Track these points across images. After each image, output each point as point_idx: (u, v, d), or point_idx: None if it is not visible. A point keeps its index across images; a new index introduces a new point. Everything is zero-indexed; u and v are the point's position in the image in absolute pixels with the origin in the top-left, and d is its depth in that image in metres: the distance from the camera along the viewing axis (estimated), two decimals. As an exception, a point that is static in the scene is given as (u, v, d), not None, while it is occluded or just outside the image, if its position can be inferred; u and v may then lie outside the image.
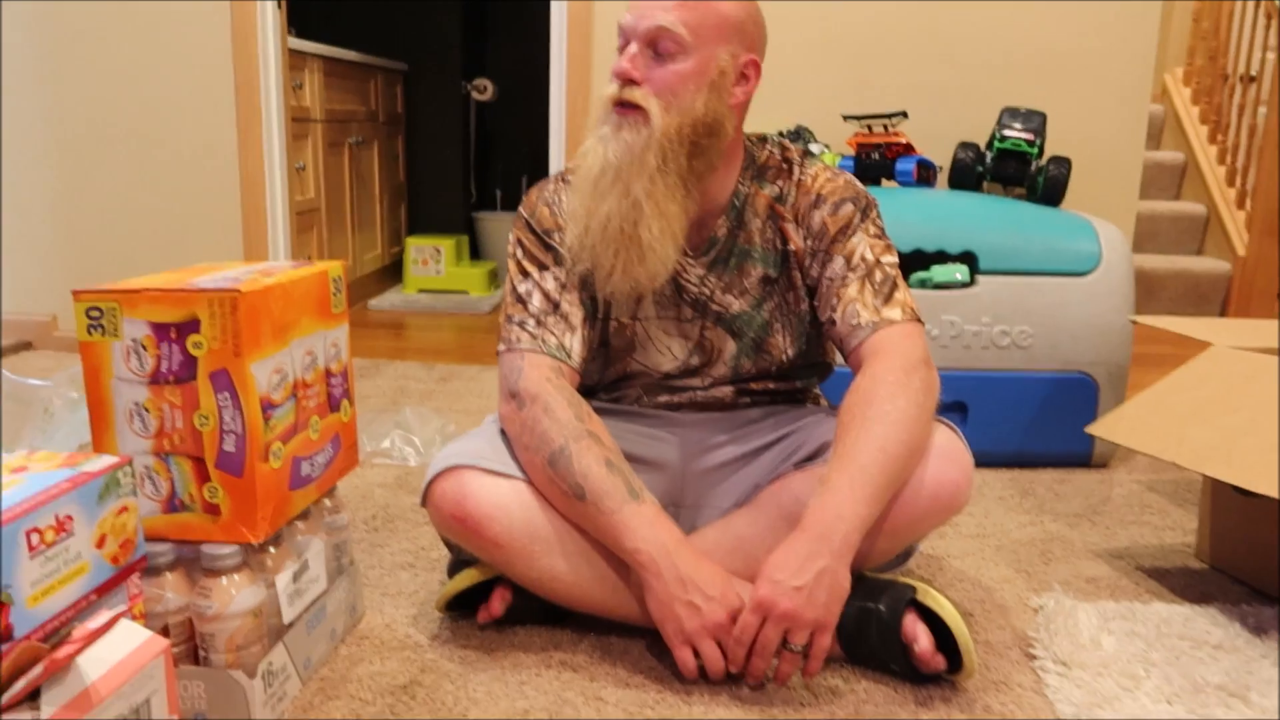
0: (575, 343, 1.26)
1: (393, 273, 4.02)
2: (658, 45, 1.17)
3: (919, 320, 1.24)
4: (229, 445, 1.03)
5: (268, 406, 1.04)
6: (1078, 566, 1.52)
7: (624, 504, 1.13)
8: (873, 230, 1.28)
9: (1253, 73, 3.97)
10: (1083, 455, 1.99)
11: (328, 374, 1.18)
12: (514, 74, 4.45)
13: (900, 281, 1.26)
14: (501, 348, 1.27)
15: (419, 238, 3.91)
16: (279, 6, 2.63)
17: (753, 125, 2.49)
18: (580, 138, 2.57)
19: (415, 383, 2.55)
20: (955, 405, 1.97)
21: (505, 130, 4.51)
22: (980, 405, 1.95)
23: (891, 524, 1.19)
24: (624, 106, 1.19)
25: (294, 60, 2.93)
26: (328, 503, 1.25)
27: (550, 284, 1.27)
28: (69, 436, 1.75)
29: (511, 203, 4.59)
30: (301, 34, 3.93)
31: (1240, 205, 3.97)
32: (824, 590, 1.07)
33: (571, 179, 1.28)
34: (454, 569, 1.33)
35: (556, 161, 2.58)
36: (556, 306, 1.26)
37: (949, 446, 1.21)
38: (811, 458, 1.29)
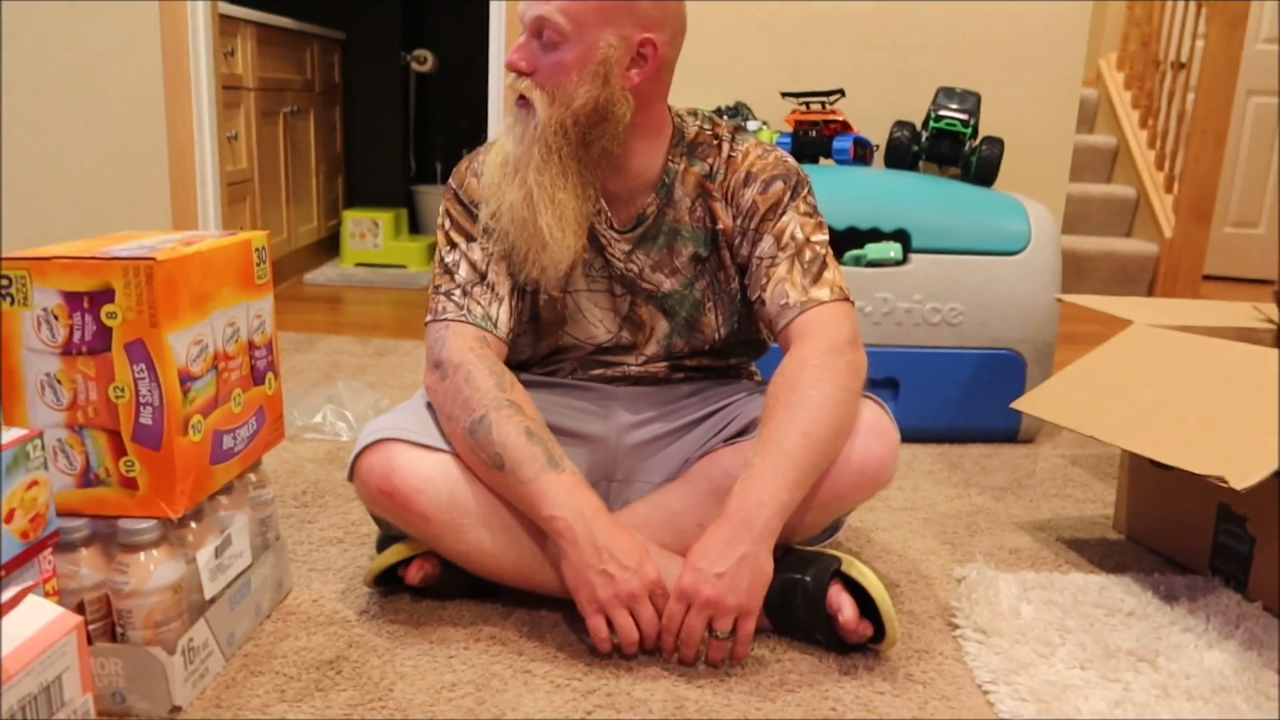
0: (502, 313, 1.25)
1: (329, 246, 3.96)
2: (541, 35, 1.17)
3: (848, 300, 1.25)
4: (146, 418, 1.00)
5: (186, 379, 1.02)
6: (1001, 538, 1.56)
7: (542, 472, 1.13)
8: (803, 208, 1.28)
9: (1183, 60, 4.07)
10: (1010, 431, 2.04)
11: (251, 346, 1.16)
12: (455, 45, 4.38)
13: (830, 260, 1.27)
14: (428, 318, 1.26)
15: (356, 211, 3.85)
16: (208, -30, 2.56)
17: (692, 100, 2.49)
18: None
19: (350, 357, 2.51)
20: (887, 381, 2.00)
21: (445, 102, 4.45)
22: (911, 381, 1.99)
23: (818, 499, 1.21)
24: (519, 98, 1.20)
25: (225, 26, 2.86)
26: (253, 477, 1.23)
27: (477, 254, 1.26)
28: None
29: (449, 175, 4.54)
30: (240, 3, 3.84)
31: (1169, 189, 4.06)
32: (746, 576, 1.08)
33: (481, 162, 1.28)
34: (382, 544, 1.32)
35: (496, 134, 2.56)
36: (483, 277, 1.25)
37: (875, 423, 1.23)
38: (742, 433, 1.30)
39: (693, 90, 2.42)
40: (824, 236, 1.28)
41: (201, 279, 1.05)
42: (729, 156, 1.29)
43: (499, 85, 2.52)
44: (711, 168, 1.29)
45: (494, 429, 1.15)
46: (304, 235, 3.64)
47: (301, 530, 1.49)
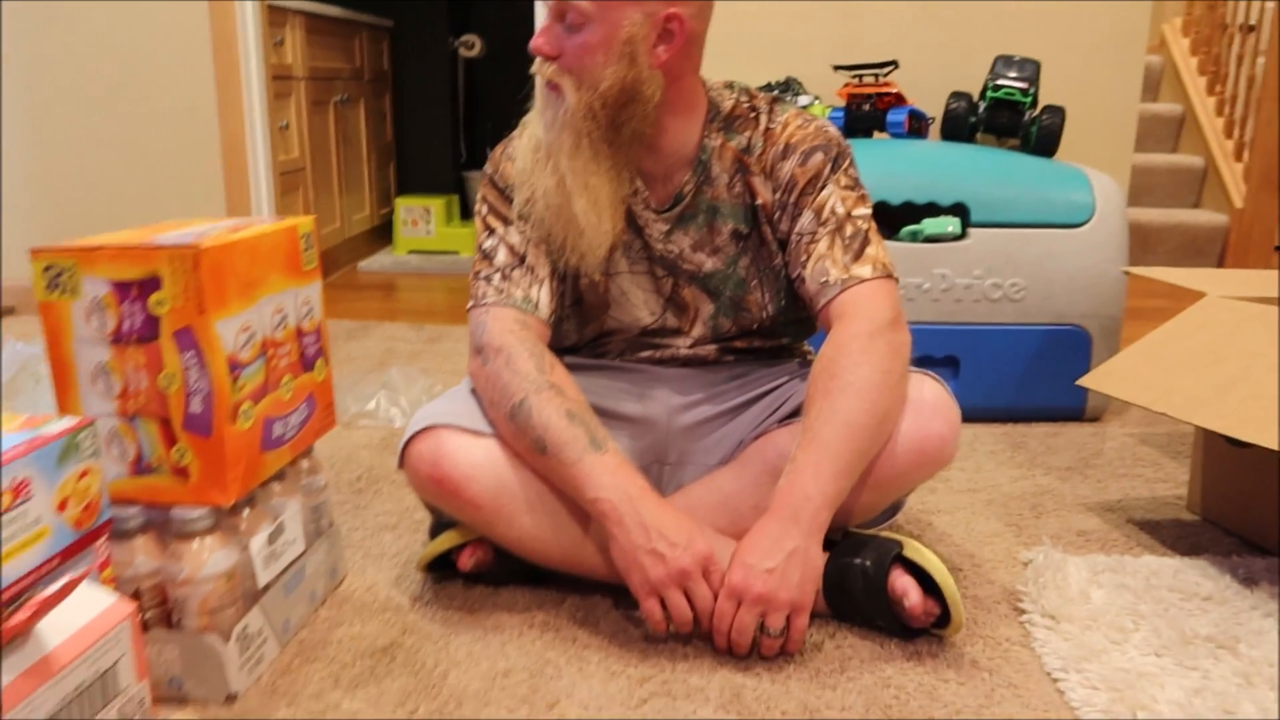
0: (542, 295, 1.23)
1: (382, 234, 3.98)
2: (565, 18, 1.13)
3: (891, 276, 1.21)
4: (195, 406, 1.00)
5: (235, 366, 1.02)
6: (1068, 520, 1.51)
7: (584, 454, 1.11)
8: (844, 181, 1.24)
9: (1252, 22, 3.91)
10: (1076, 409, 1.97)
11: (299, 333, 1.15)
12: (502, 30, 4.37)
13: (874, 235, 1.23)
14: (469, 304, 1.25)
15: (408, 198, 3.86)
16: (256, -39, 2.57)
17: (743, 76, 2.44)
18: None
19: (403, 344, 2.52)
20: (947, 360, 1.94)
21: (494, 87, 4.44)
22: (972, 359, 1.93)
23: (875, 478, 1.17)
24: (547, 83, 1.17)
25: (274, 16, 2.87)
26: (305, 464, 1.23)
27: (515, 238, 1.24)
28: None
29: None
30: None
31: (1238, 157, 3.92)
32: (796, 571, 1.06)
33: (516, 147, 1.26)
34: (435, 530, 1.31)
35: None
36: (522, 259, 1.23)
37: (934, 400, 1.19)
38: (796, 413, 1.26)
39: (743, 66, 2.37)
40: (867, 210, 1.24)
41: (248, 266, 1.04)
42: (767, 129, 1.25)
43: (546, 67, 2.50)
44: (749, 141, 1.25)
45: (534, 412, 1.13)
46: (357, 224, 3.66)
47: (356, 516, 1.49)
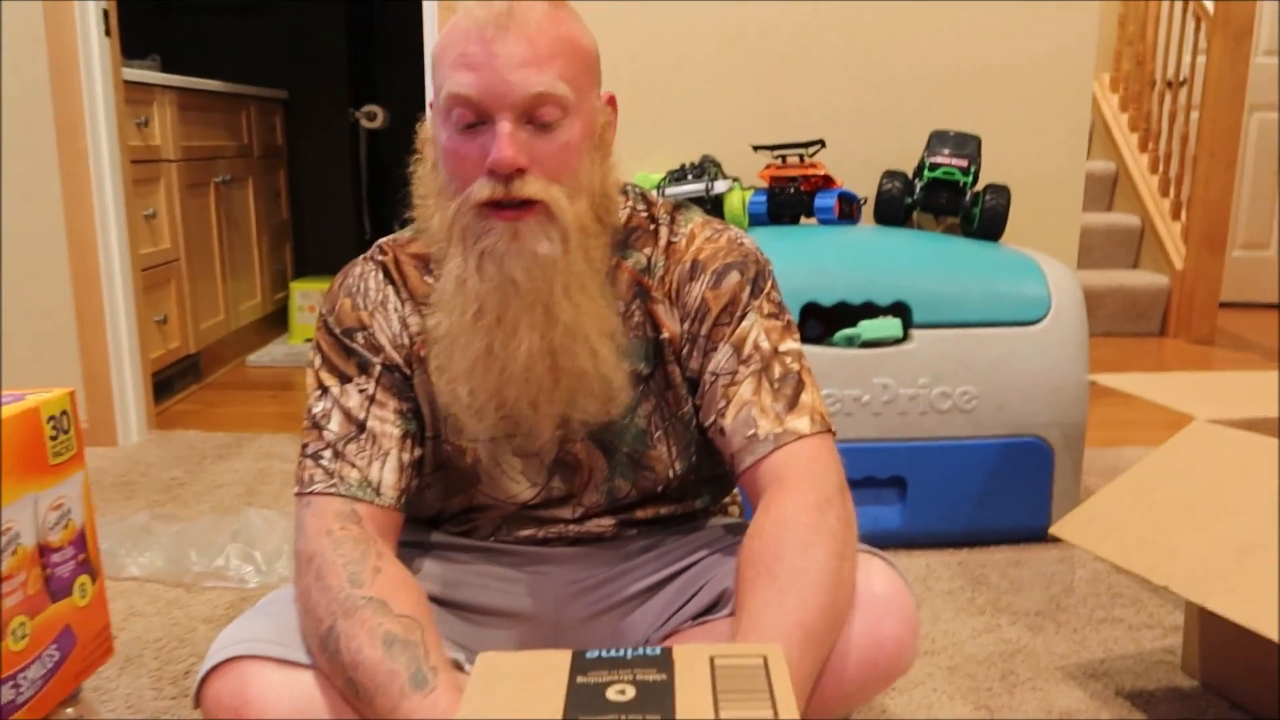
0: (386, 471, 0.95)
1: (277, 321, 3.67)
2: (536, 115, 0.88)
3: (831, 430, 0.97)
4: None
5: (-81, 627, 0.73)
6: (1047, 695, 1.26)
7: (402, 697, 0.82)
8: (767, 308, 1.00)
9: (1182, 77, 3.82)
10: (1038, 529, 1.74)
11: (43, 551, 0.86)
12: (408, 98, 4.11)
13: (807, 377, 0.98)
14: (295, 490, 0.96)
15: (305, 281, 3.56)
16: (107, 34, 2.28)
17: (655, 157, 2.18)
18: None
19: (280, 462, 2.21)
20: (892, 480, 1.70)
21: (401, 158, 4.18)
22: (921, 479, 1.69)
23: (817, 701, 0.91)
24: (507, 207, 0.89)
25: (139, 94, 2.58)
26: (69, 712, 0.93)
27: (353, 400, 0.96)
28: None
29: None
30: (167, 65, 3.57)
31: (1175, 216, 3.81)
32: None
33: (360, 276, 1.00)
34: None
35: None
36: (361, 428, 0.95)
37: (886, 592, 0.93)
38: (714, 605, 1.01)
39: (655, 147, 2.14)
40: (796, 345, 0.99)
41: (-57, 481, 0.76)
42: (669, 243, 1.01)
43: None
44: (649, 260, 1.00)
45: (344, 643, 0.84)
46: (246, 313, 3.35)
47: (173, 734, 1.19)
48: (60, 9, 2.19)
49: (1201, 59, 3.65)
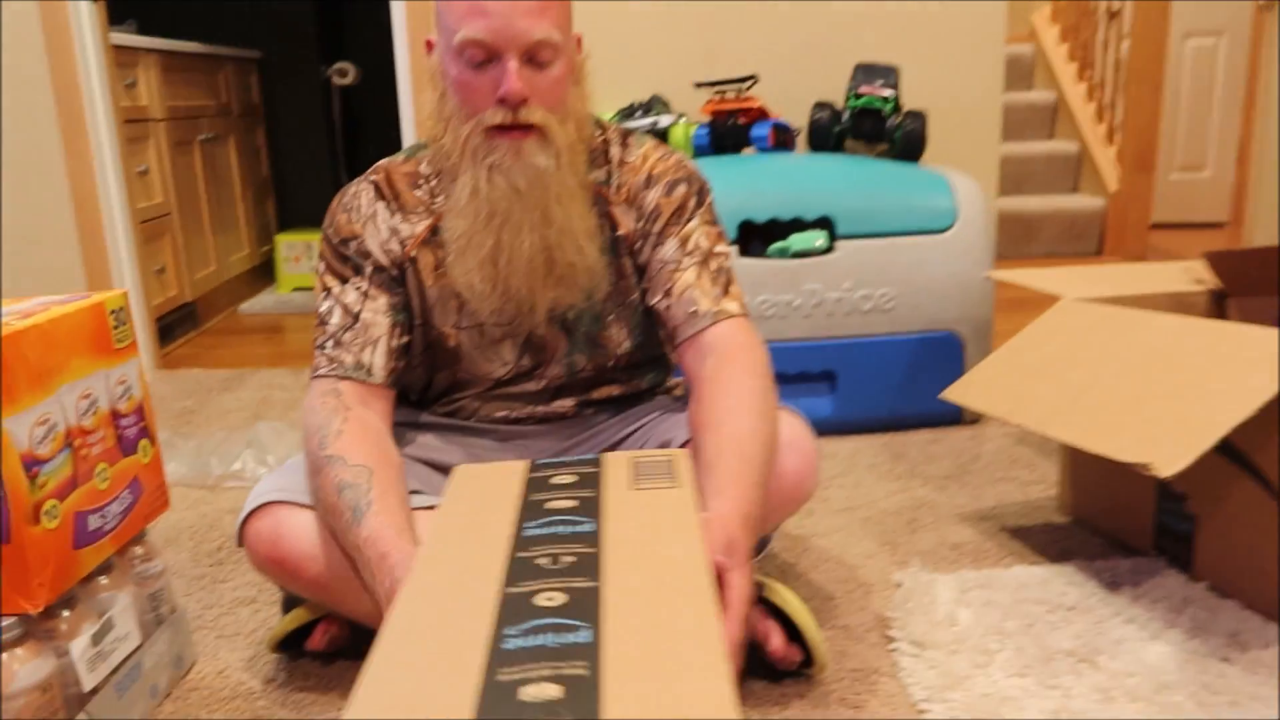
0: (377, 356, 1.18)
1: (265, 272, 3.86)
2: (536, 56, 1.09)
3: (749, 317, 1.20)
4: (-11, 511, 0.93)
5: (33, 463, 0.95)
6: (943, 533, 1.51)
7: (347, 530, 1.03)
8: (707, 217, 1.23)
9: (1115, 7, 4.03)
10: (955, 413, 1.99)
11: (115, 416, 1.08)
12: (378, 54, 4.27)
13: (733, 275, 1.22)
14: (310, 374, 1.19)
15: (289, 234, 3.75)
16: (94, 0, 2.45)
17: (609, 97, 2.40)
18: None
19: (280, 391, 2.43)
20: (824, 374, 1.94)
21: (374, 113, 4.34)
22: (849, 372, 1.93)
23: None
24: (513, 129, 1.10)
25: (124, 57, 2.75)
26: (138, 550, 1.16)
27: (350, 296, 1.18)
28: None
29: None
30: (143, 29, 3.71)
31: (1110, 141, 4.03)
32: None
33: (354, 195, 1.20)
34: (287, 605, 1.25)
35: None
36: (356, 318, 1.18)
37: (792, 436, 1.17)
38: (663, 447, 1.24)
39: (608, 86, 2.34)
40: (726, 249, 1.23)
41: (41, 354, 0.97)
42: (622, 160, 1.23)
43: (408, 93, 2.44)
44: (607, 175, 1.22)
45: (317, 495, 1.09)
46: (235, 264, 3.54)
47: (213, 592, 1.42)
48: (52, -21, 2.36)
49: (1130, -10, 3.85)
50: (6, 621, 0.95)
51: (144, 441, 1.14)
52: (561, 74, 1.11)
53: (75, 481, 1.01)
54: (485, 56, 1.08)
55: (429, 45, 1.16)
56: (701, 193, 1.24)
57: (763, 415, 1.09)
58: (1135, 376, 1.23)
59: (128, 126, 2.69)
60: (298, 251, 3.70)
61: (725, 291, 1.19)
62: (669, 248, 1.21)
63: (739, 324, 1.17)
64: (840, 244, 1.89)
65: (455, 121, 1.13)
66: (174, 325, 2.99)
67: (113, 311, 1.09)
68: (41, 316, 0.99)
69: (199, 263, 3.21)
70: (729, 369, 1.13)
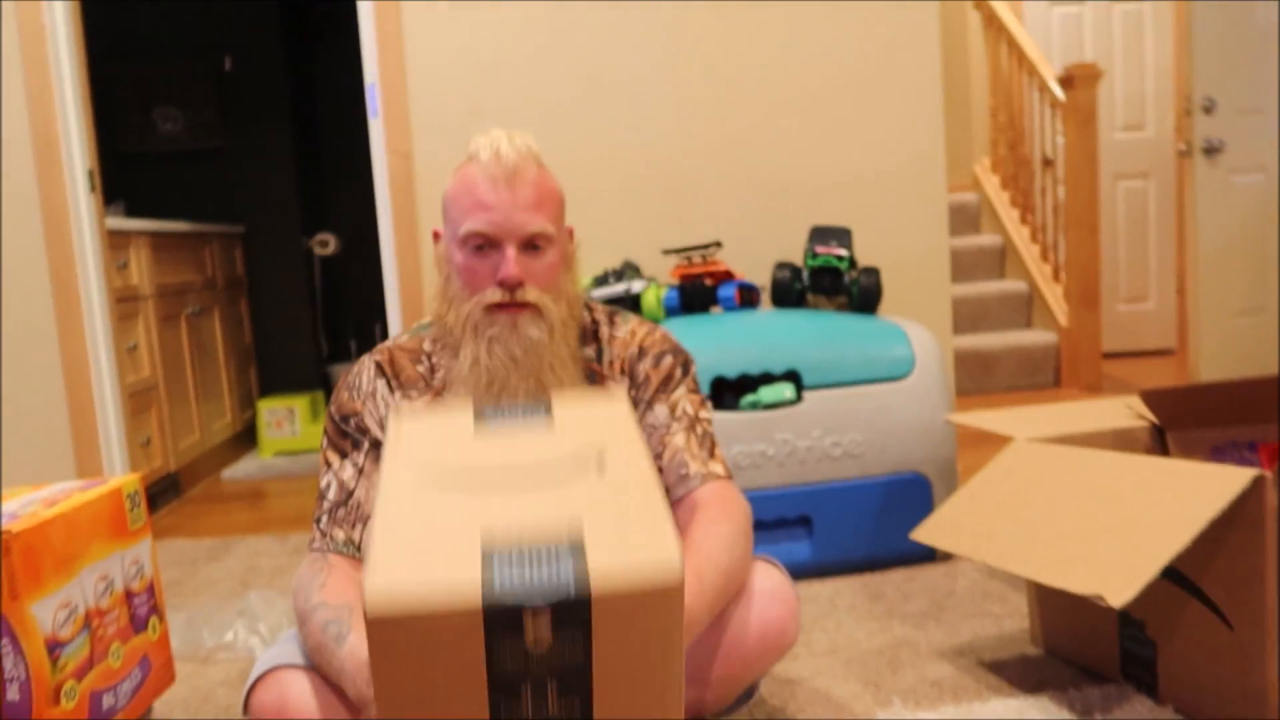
0: (366, 533, 1.25)
1: (247, 438, 3.92)
2: (533, 244, 1.23)
3: (731, 478, 1.31)
4: (13, 694, 0.97)
5: (55, 645, 1.00)
6: (923, 670, 1.56)
7: (333, 656, 1.09)
8: (691, 386, 1.35)
9: (1049, 156, 4.32)
10: (928, 550, 2.06)
11: (129, 595, 1.14)
12: (358, 224, 4.47)
13: (715, 439, 1.33)
14: (308, 546, 1.26)
15: (270, 399, 3.83)
16: (92, 190, 2.60)
17: (584, 265, 2.55)
18: (415, 288, 2.56)
19: (267, 559, 2.46)
20: (800, 520, 2.02)
21: (353, 280, 4.51)
22: (823, 516, 2.01)
23: (725, 672, 1.21)
24: (510, 306, 1.22)
25: (117, 240, 2.89)
26: (144, 728, 1.19)
27: (348, 473, 1.27)
28: None
29: (366, 351, 4.56)
30: (132, 208, 3.89)
31: (1056, 279, 4.25)
32: None
33: (356, 374, 1.30)
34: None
35: (394, 314, 2.59)
36: (349, 495, 1.26)
37: (772, 585, 1.25)
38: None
39: (583, 256, 2.49)
40: (710, 416, 1.34)
41: (65, 540, 1.04)
42: (611, 337, 1.35)
43: (393, 266, 2.57)
44: (598, 351, 1.33)
45: (308, 642, 1.13)
46: (218, 432, 3.60)
47: (210, 767, 1.44)
48: (51, 170, 2.51)
49: (1061, 139, 4.14)
50: (23, 804, 0.98)
51: (153, 618, 1.19)
52: (555, 260, 1.25)
53: (92, 661, 1.06)
54: (487, 244, 1.22)
55: (436, 235, 1.30)
56: (686, 364, 1.36)
57: (729, 549, 1.18)
58: (1084, 512, 1.33)
59: (119, 305, 2.80)
60: (279, 417, 3.77)
61: (711, 454, 1.30)
62: (659, 413, 1.31)
63: (724, 485, 1.28)
64: (808, 394, 2.00)
65: (459, 301, 1.25)
66: (157, 495, 3.02)
67: (128, 495, 1.16)
68: (65, 504, 1.06)
69: (183, 431, 3.28)
70: (709, 514, 1.22)
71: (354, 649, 1.06)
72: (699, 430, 1.31)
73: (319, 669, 1.14)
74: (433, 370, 1.30)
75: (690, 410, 1.32)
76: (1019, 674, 1.52)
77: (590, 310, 1.37)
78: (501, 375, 1.23)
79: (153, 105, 4.17)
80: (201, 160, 4.23)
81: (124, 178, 4.16)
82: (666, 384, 1.32)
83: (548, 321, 1.24)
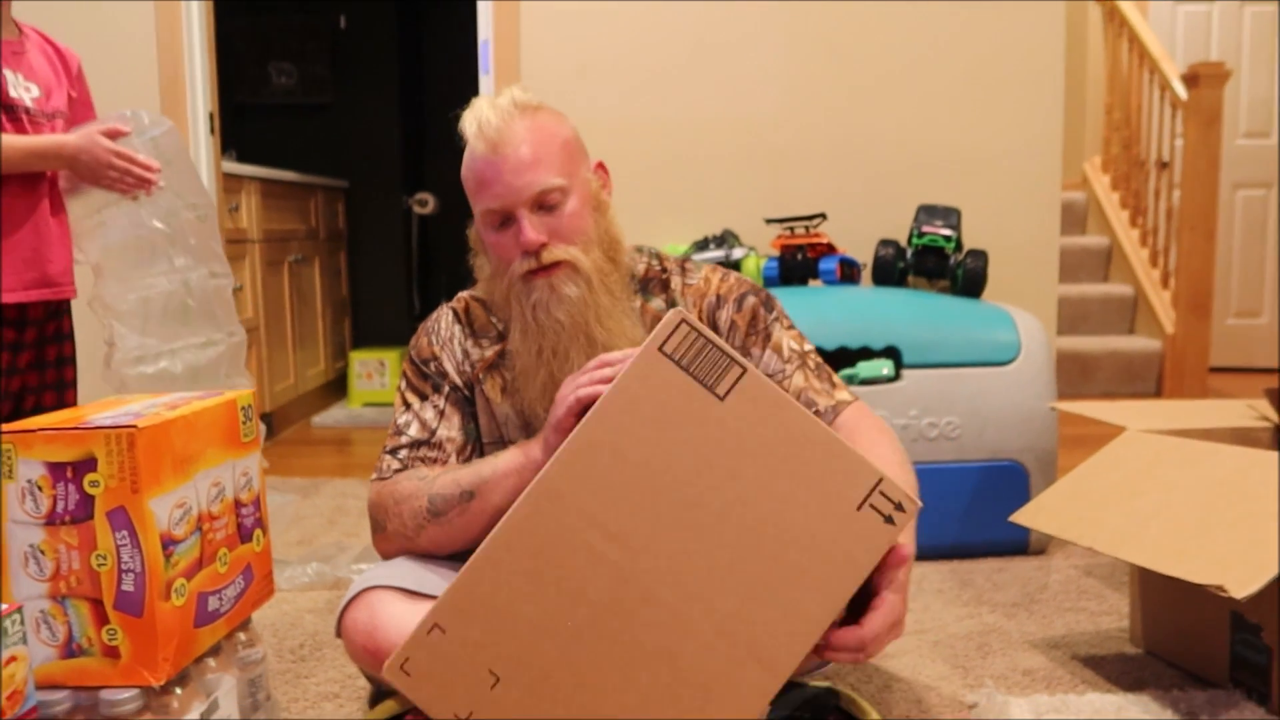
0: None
1: (338, 387, 4.00)
2: (544, 203, 1.21)
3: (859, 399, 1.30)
4: (128, 585, 1.00)
5: (169, 543, 1.02)
6: (1014, 659, 1.52)
7: (485, 464, 1.18)
8: (785, 322, 1.33)
9: (1165, 159, 4.15)
10: (1020, 543, 2.00)
11: (237, 504, 1.16)
12: (456, 186, 4.51)
13: (827, 365, 1.32)
14: (372, 477, 1.27)
15: (363, 351, 3.91)
16: (211, 133, 2.67)
17: (681, 231, 2.53)
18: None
19: (354, 500, 2.51)
20: (890, 499, 1.97)
21: (448, 241, 4.56)
22: (914, 497, 1.96)
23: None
24: (540, 271, 1.21)
25: (230, 184, 2.96)
26: (242, 636, 1.22)
27: (429, 413, 1.28)
28: None
29: (457, 312, 4.62)
30: (242, 157, 3.98)
31: (1165, 285, 4.09)
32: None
33: (436, 319, 1.33)
34: (375, 699, 1.29)
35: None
36: (432, 435, 1.27)
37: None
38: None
39: (682, 221, 2.48)
40: (811, 345, 1.33)
41: (185, 442, 1.06)
42: (685, 285, 1.33)
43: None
44: (669, 302, 1.31)
45: (440, 493, 1.19)
46: (311, 378, 3.69)
47: (297, 686, 1.47)
48: (175, 110, 2.59)
49: (1180, 142, 3.98)
50: (128, 694, 1.01)
51: (258, 531, 1.21)
52: (575, 209, 1.22)
53: (201, 564, 1.09)
54: (503, 218, 1.22)
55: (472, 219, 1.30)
56: (769, 300, 1.33)
57: (903, 465, 1.18)
58: (1203, 505, 1.27)
59: (228, 246, 2.87)
60: (370, 368, 3.84)
61: (833, 384, 1.29)
62: (767, 359, 1.29)
63: (858, 407, 1.27)
64: (907, 373, 1.96)
65: (497, 276, 1.26)
66: (252, 434, 3.10)
67: (242, 408, 1.19)
68: (185, 409, 1.08)
69: (279, 375, 3.36)
70: (868, 435, 1.21)
71: (487, 459, 1.20)
72: (811, 363, 1.30)
73: (457, 507, 1.18)
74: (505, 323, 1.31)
75: (795, 346, 1.30)
76: (1117, 671, 1.47)
77: (660, 259, 1.35)
78: (551, 340, 1.23)
79: (268, 59, 4.27)
80: (311, 115, 4.32)
81: (236, 128, 4.27)
82: (755, 324, 1.30)
83: (583, 274, 1.22)
